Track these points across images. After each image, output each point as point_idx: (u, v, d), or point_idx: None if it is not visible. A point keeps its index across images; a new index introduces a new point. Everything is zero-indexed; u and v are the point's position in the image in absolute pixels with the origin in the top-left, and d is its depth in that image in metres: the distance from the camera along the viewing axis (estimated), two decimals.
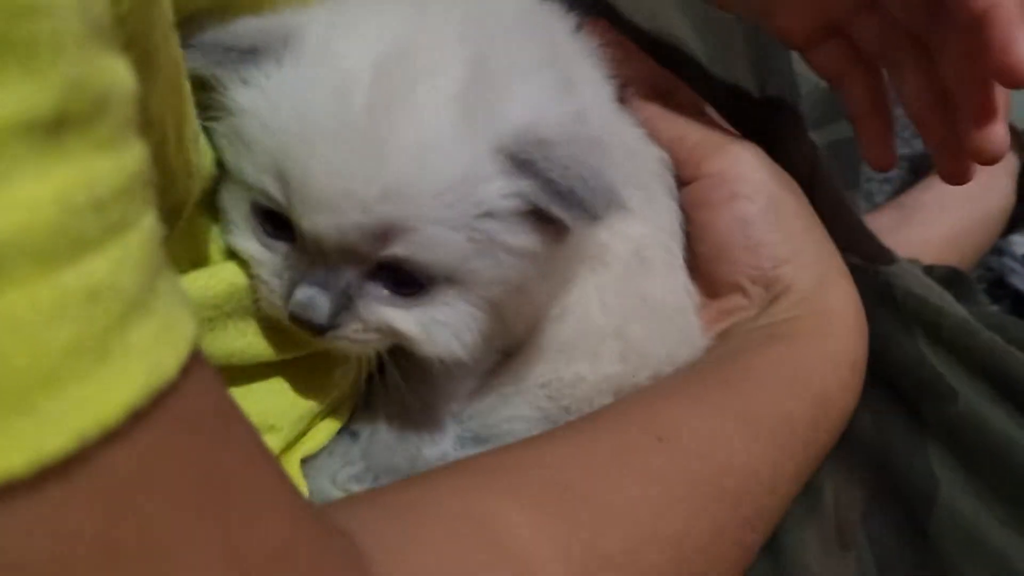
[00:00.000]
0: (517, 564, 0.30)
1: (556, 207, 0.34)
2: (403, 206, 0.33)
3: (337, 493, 0.40)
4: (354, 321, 0.36)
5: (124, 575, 0.18)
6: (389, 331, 0.37)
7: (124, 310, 0.18)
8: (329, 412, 0.41)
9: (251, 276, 0.37)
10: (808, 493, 0.40)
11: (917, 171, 0.99)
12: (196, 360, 0.20)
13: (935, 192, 0.91)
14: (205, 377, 0.21)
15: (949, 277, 0.74)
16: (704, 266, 0.47)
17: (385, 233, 0.34)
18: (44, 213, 0.17)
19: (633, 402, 0.41)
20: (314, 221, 0.34)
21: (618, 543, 0.32)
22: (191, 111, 0.32)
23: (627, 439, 0.36)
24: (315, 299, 0.35)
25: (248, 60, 0.34)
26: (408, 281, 0.36)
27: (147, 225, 0.19)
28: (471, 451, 0.42)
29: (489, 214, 0.35)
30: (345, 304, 0.35)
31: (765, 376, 0.41)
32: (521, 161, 0.34)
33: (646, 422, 0.37)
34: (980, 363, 0.49)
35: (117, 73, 0.19)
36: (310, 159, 0.33)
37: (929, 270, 0.67)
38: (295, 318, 0.35)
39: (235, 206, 0.37)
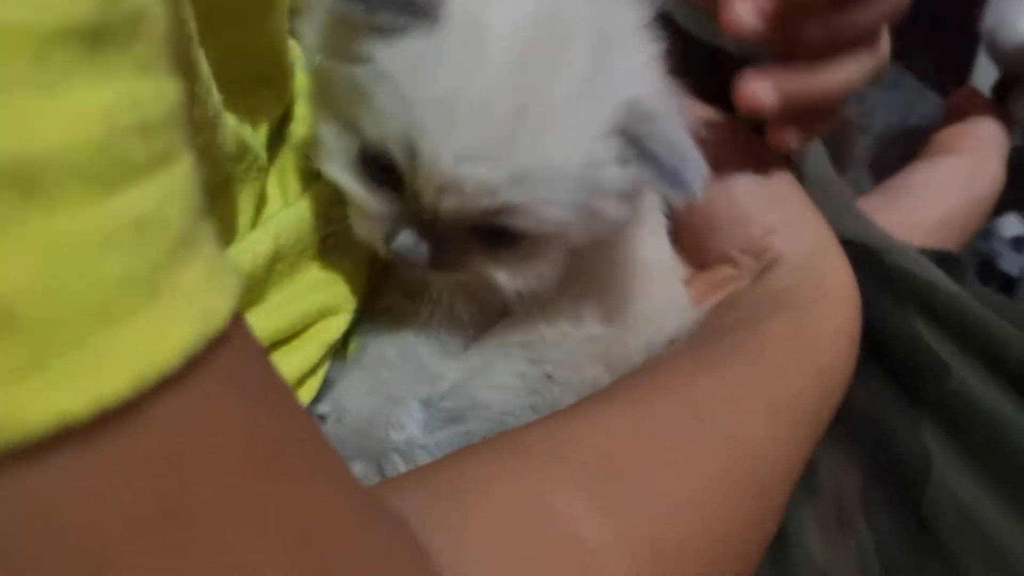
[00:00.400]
0: (576, 550, 0.29)
1: (664, 187, 0.36)
2: (528, 190, 0.34)
3: None
4: (449, 266, 0.38)
5: (178, 540, 0.17)
6: (480, 277, 0.38)
7: (173, 247, 0.17)
8: (295, 388, 0.40)
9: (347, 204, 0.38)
10: (805, 473, 0.40)
11: (904, 154, 1.00)
12: (238, 318, 0.19)
13: (924, 175, 0.91)
14: (248, 336, 0.20)
15: (941, 260, 0.74)
16: (692, 239, 0.47)
17: (501, 210, 0.35)
18: (92, 130, 0.15)
19: (661, 373, 0.39)
20: (438, 199, 0.34)
21: (671, 535, 0.31)
22: (205, 92, 0.30)
23: (666, 419, 0.35)
24: (418, 246, 0.36)
25: (399, 15, 0.33)
26: (504, 237, 0.37)
27: (188, 163, 0.18)
28: (444, 433, 0.41)
29: (600, 191, 0.36)
30: (444, 250, 0.37)
31: (778, 350, 0.40)
32: (631, 137, 0.35)
33: (681, 399, 0.36)
34: (973, 339, 0.49)
35: None
36: (444, 141, 0.33)
37: (921, 253, 0.67)
38: (396, 254, 0.37)
39: (340, 145, 0.37)
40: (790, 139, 0.45)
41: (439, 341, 0.43)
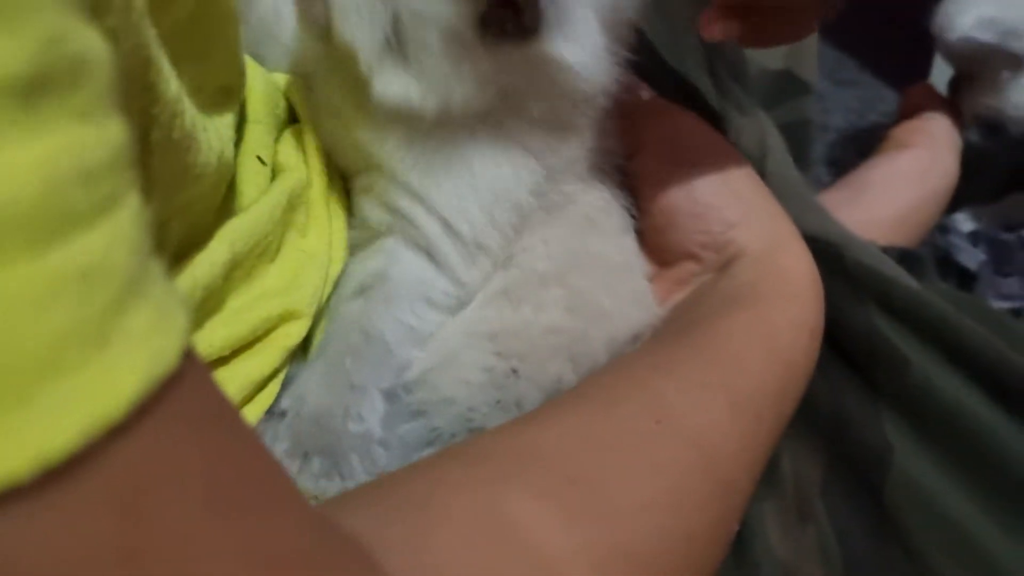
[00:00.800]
0: (540, 563, 0.28)
1: None
2: None
3: None
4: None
5: None
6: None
7: (120, 293, 0.17)
8: (255, 392, 0.39)
9: None
10: (766, 466, 0.40)
11: (863, 151, 1.01)
12: (190, 352, 0.19)
13: (882, 171, 0.92)
14: (200, 369, 0.20)
15: (903, 258, 0.75)
16: (654, 237, 0.47)
17: None
18: (28, 184, 0.15)
19: (623, 376, 0.39)
20: None
21: (636, 539, 0.31)
22: (170, 115, 0.29)
23: (628, 423, 0.35)
24: None
25: None
26: None
27: (135, 204, 0.18)
28: (408, 427, 0.41)
29: None
30: None
31: (739, 345, 0.40)
32: None
33: (642, 401, 0.36)
34: (932, 333, 0.49)
35: (94, 40, 0.17)
36: None
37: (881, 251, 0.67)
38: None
39: None
40: (723, 30, 0.43)
41: (406, 325, 0.42)
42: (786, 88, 0.79)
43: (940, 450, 0.47)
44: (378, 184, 0.43)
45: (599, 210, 0.45)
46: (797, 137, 0.77)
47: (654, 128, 0.47)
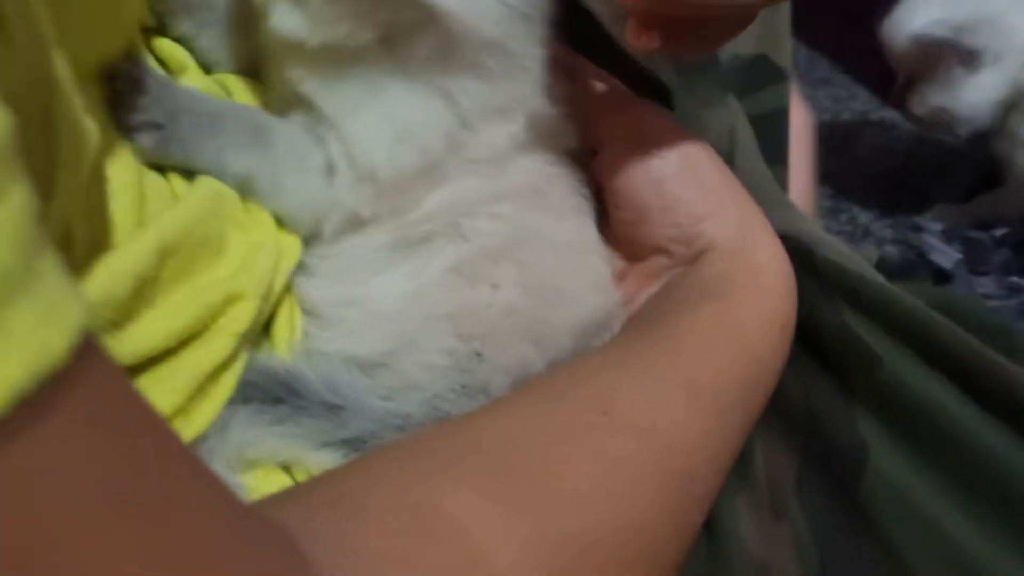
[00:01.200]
0: (466, 553, 0.28)
1: None
2: None
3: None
4: None
5: None
6: None
7: (2, 289, 0.16)
8: (209, 383, 0.38)
9: None
10: (739, 461, 0.39)
11: (837, 150, 1.01)
12: (91, 348, 0.18)
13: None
14: (103, 365, 0.19)
15: (902, 263, 0.75)
16: (624, 231, 0.46)
17: None
18: None
19: (572, 370, 0.39)
20: None
21: (571, 528, 0.31)
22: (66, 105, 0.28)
23: (571, 415, 0.35)
24: None
25: None
26: None
27: (18, 199, 0.17)
28: (377, 406, 0.40)
29: None
30: None
31: (703, 338, 0.40)
32: None
33: (589, 393, 0.36)
34: (903, 329, 0.49)
35: None
36: None
37: (885, 256, 0.67)
38: None
39: None
40: (646, 40, 0.42)
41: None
42: (761, 74, 0.78)
43: (914, 448, 0.47)
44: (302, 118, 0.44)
45: (550, 185, 0.45)
46: (775, 127, 0.75)
47: (618, 122, 0.46)
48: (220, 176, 0.41)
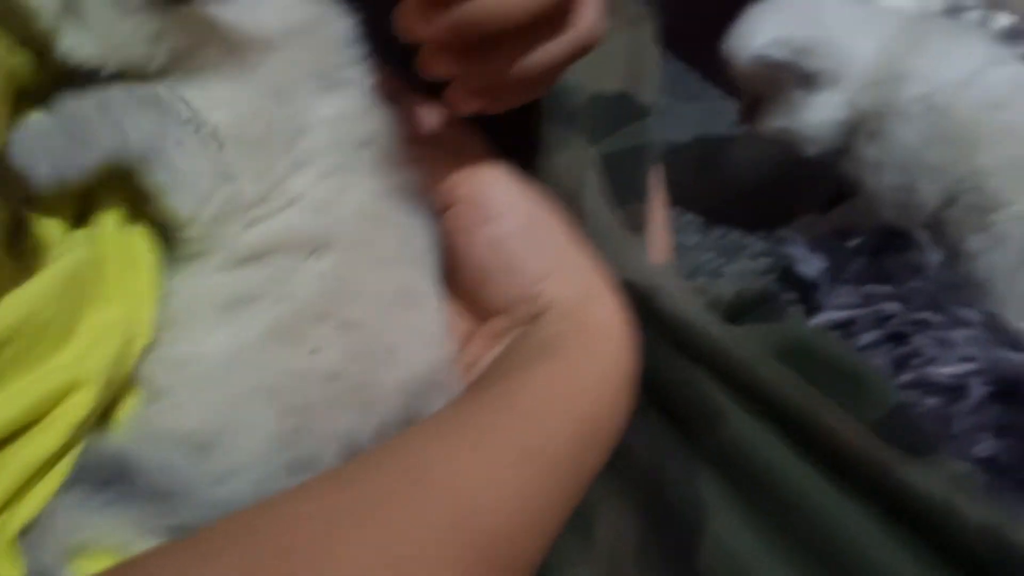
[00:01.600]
0: None
1: None
2: None
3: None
4: None
5: None
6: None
7: None
8: (44, 471, 0.38)
9: None
10: (579, 527, 0.39)
11: (707, 166, 1.03)
12: None
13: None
14: None
15: (758, 298, 0.74)
16: (468, 292, 0.47)
17: None
18: None
19: (398, 440, 0.39)
20: None
21: None
22: None
23: (377, 485, 0.35)
24: None
25: None
26: None
27: None
28: (223, 489, 0.40)
29: None
30: None
31: (535, 398, 0.40)
32: None
33: (404, 463, 0.36)
34: (737, 382, 0.49)
35: None
36: None
37: (741, 293, 0.66)
38: None
39: None
40: (467, 106, 0.45)
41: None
42: (623, 113, 0.79)
43: (752, 510, 0.47)
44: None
45: (379, 230, 0.45)
46: (631, 163, 0.76)
47: (463, 185, 0.47)
48: (124, 153, 0.41)
